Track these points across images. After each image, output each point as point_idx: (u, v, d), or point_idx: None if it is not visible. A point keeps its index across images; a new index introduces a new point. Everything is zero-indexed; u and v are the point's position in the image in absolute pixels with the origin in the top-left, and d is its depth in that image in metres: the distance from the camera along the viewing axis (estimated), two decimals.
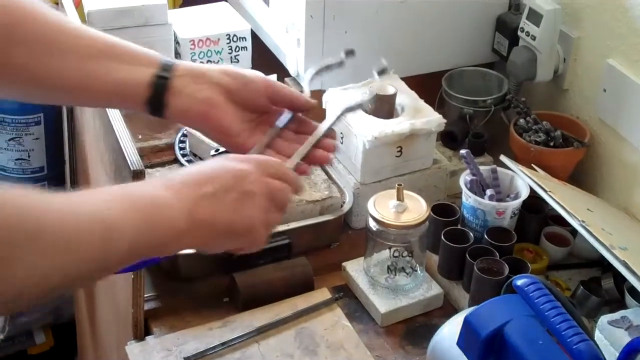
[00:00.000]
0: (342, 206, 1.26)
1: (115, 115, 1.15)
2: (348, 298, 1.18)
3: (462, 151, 1.21)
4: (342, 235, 1.28)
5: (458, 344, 0.95)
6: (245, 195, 0.80)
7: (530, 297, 0.89)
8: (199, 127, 0.92)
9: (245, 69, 0.92)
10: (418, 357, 1.09)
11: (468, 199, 1.18)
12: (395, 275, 1.16)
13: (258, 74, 0.93)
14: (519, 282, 0.90)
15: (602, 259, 1.13)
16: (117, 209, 0.72)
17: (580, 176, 1.37)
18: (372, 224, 1.14)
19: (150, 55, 0.89)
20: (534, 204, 1.22)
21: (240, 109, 0.90)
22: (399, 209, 1.13)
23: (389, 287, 1.16)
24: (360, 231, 1.25)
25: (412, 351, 1.10)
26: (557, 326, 0.85)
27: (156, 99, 0.87)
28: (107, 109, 1.12)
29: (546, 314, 0.86)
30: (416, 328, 1.14)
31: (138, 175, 1.04)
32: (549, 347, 0.89)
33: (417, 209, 1.14)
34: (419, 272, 1.17)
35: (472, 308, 0.96)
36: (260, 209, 0.81)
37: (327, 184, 1.28)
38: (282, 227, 1.21)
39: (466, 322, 0.94)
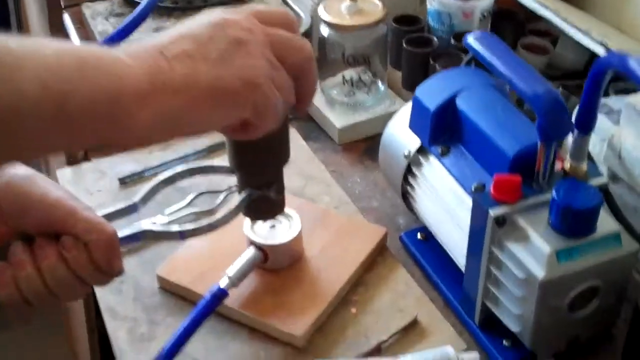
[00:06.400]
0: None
1: None
2: (303, 121, 1.07)
3: None
4: None
5: (410, 126, 0.84)
6: (233, 44, 0.59)
7: (483, 54, 0.77)
8: None
9: (51, 185, 0.66)
10: (377, 170, 0.98)
11: (432, 2, 1.06)
12: (354, 91, 1.05)
13: (52, 196, 0.65)
14: (470, 38, 0.78)
15: (584, 69, 1.02)
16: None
17: None
18: (325, 31, 1.03)
19: None
20: (508, 12, 1.09)
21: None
22: (352, 9, 1.01)
23: (348, 104, 1.05)
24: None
25: (372, 166, 1.00)
26: (516, 76, 0.72)
27: None
28: None
29: (504, 67, 0.74)
30: (377, 145, 1.02)
31: None
32: (508, 113, 0.78)
33: (372, 10, 1.02)
34: (380, 87, 1.06)
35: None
36: (258, 57, 0.60)
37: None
38: None
39: (415, 100, 0.83)
